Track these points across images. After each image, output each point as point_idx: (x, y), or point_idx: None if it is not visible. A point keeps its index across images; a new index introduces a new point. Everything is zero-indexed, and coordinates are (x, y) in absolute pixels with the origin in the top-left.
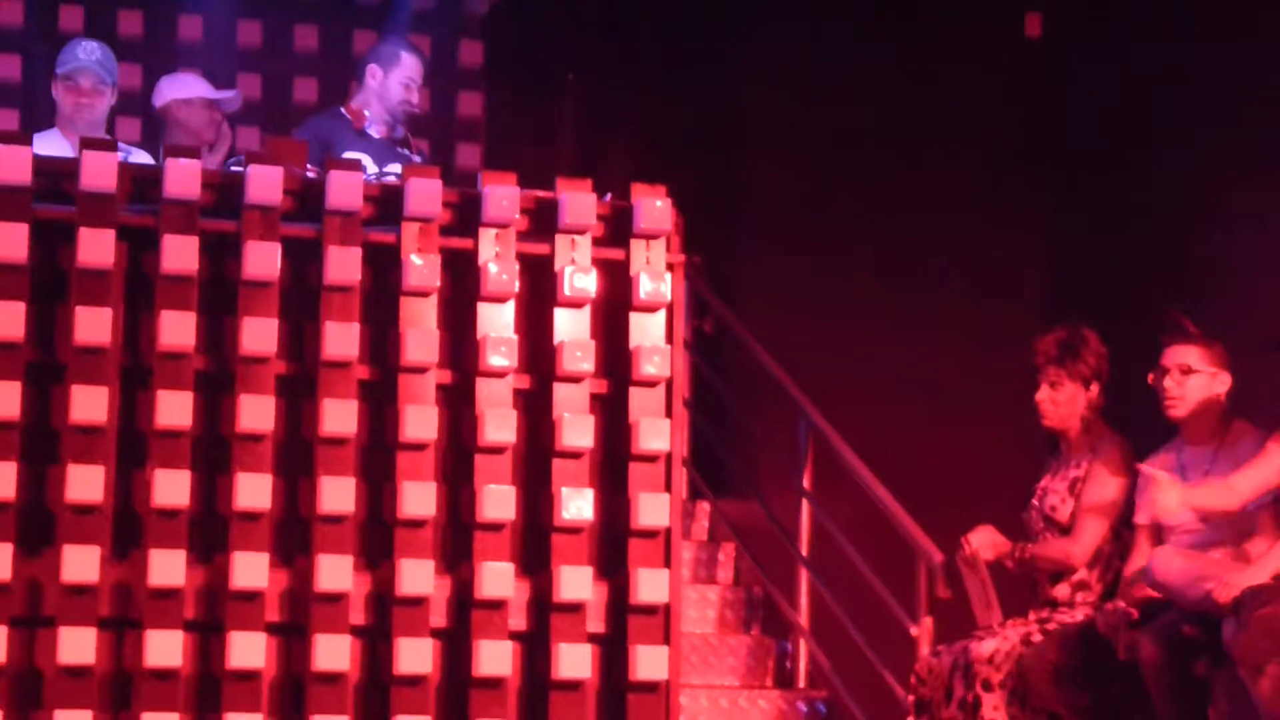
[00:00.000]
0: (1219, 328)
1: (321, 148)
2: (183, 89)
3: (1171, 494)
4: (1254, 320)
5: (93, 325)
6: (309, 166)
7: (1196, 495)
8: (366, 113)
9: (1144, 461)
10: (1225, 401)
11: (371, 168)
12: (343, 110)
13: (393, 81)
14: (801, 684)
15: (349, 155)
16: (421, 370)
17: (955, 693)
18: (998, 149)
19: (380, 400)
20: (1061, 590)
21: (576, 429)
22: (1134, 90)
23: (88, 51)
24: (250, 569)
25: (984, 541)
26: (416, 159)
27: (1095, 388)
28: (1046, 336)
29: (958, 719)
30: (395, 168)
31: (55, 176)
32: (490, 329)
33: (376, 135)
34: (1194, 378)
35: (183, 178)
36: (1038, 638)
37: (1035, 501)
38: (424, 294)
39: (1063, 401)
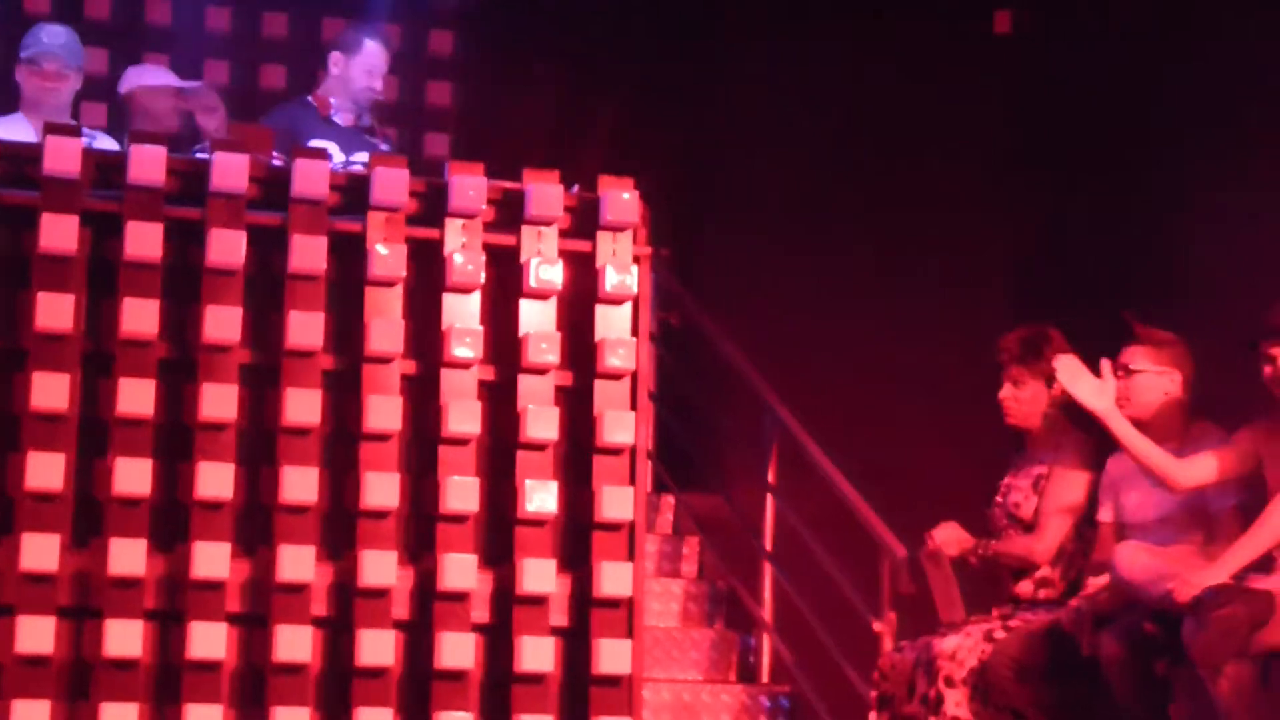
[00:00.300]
0: (1209, 326)
1: (288, 136)
2: (149, 77)
3: (1106, 393)
4: (1244, 318)
5: (55, 311)
6: (275, 154)
7: (1148, 448)
8: (332, 100)
9: (1107, 461)
10: (1185, 401)
11: (338, 156)
12: (309, 99)
13: (355, 68)
14: (765, 678)
15: (315, 143)
16: (386, 360)
17: (917, 688)
18: (973, 142)
19: (344, 390)
20: (1025, 587)
21: (541, 421)
22: (1124, 87)
23: (52, 35)
24: (211, 559)
25: (948, 537)
26: (384, 147)
27: (1058, 386)
28: (1009, 335)
29: (919, 714)
30: (362, 156)
31: (18, 161)
32: (455, 320)
33: (343, 123)
34: (1139, 378)
35: (147, 164)
36: (1001, 634)
37: (999, 499)
38: (389, 284)
39: (1025, 399)
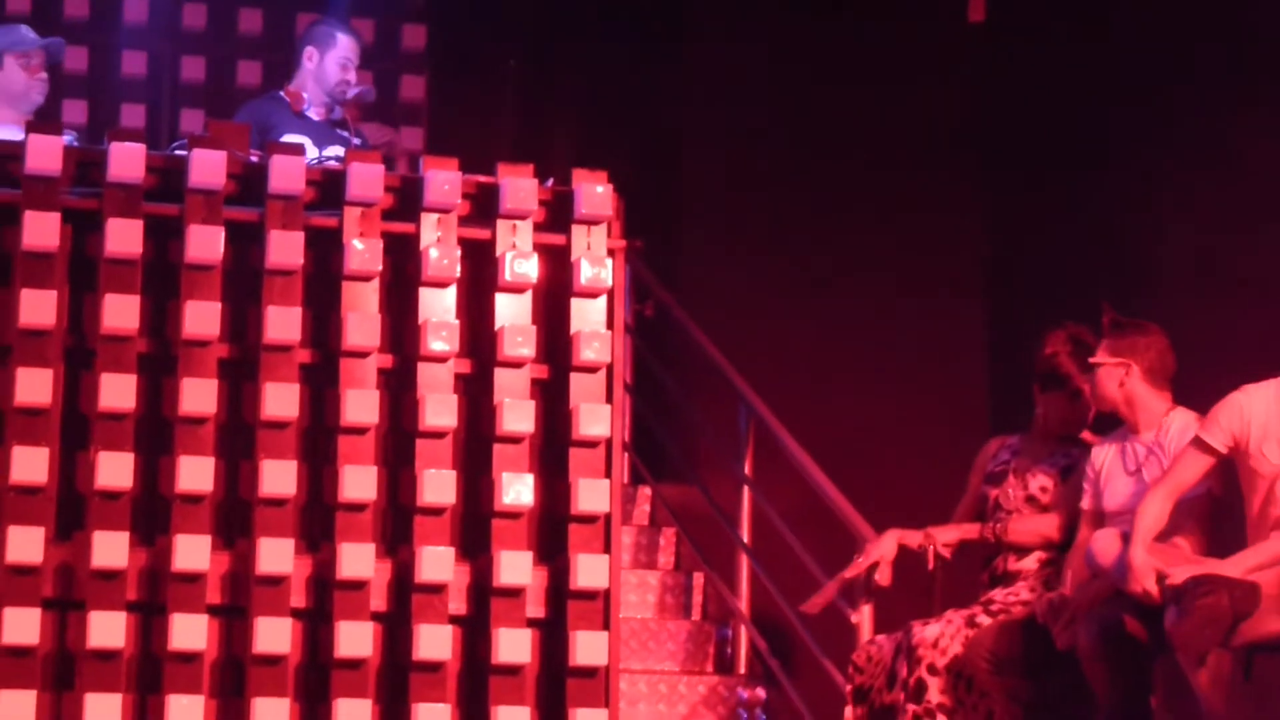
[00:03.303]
0: (1178, 315)
1: (260, 131)
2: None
3: (1147, 573)
4: (1211, 307)
5: (37, 307)
6: (250, 150)
7: (1147, 513)
8: (305, 95)
9: (1091, 451)
10: (1150, 389)
11: (311, 151)
12: (282, 94)
13: (329, 62)
14: (741, 669)
15: (289, 138)
16: (363, 354)
17: (898, 675)
18: (941, 136)
19: (321, 384)
20: (1029, 563)
21: (517, 414)
22: (1091, 79)
23: (34, 32)
24: (192, 551)
25: (888, 548)
26: (356, 141)
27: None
28: (1067, 342)
29: (900, 701)
30: (335, 150)
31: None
32: (431, 314)
33: (316, 118)
34: (1098, 371)
35: (126, 161)
36: (983, 619)
37: (1013, 479)
38: (365, 278)
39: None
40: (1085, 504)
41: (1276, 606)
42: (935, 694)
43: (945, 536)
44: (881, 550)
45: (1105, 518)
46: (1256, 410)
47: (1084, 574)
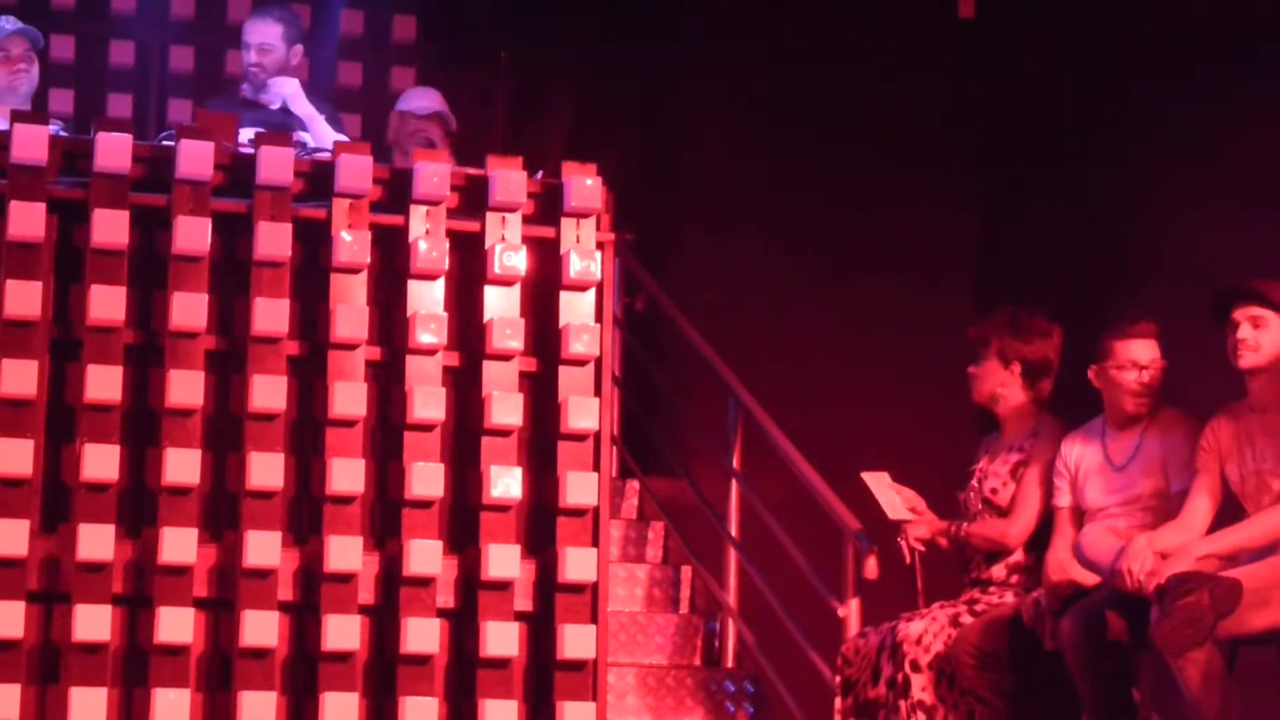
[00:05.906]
0: (1166, 314)
1: None
2: (414, 101)
3: (1144, 553)
4: (1183, 306)
5: (23, 298)
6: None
7: (1161, 539)
8: (245, 85)
9: (1061, 444)
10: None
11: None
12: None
13: (243, 45)
14: (729, 663)
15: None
16: (351, 347)
17: (883, 672)
18: (933, 132)
19: (310, 376)
20: (998, 571)
21: (505, 407)
22: (1082, 75)
23: (10, 21)
24: (179, 544)
25: (914, 501)
26: (316, 121)
27: (1015, 366)
28: (1005, 313)
29: (886, 697)
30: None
31: None
32: (420, 306)
33: (271, 105)
34: (1160, 372)
35: (113, 151)
36: (966, 618)
37: (974, 483)
38: (354, 270)
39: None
40: (1062, 501)
41: (1258, 601)
42: (918, 691)
43: (918, 531)
44: (908, 497)
45: (1087, 516)
46: (1222, 436)
47: (1068, 571)
